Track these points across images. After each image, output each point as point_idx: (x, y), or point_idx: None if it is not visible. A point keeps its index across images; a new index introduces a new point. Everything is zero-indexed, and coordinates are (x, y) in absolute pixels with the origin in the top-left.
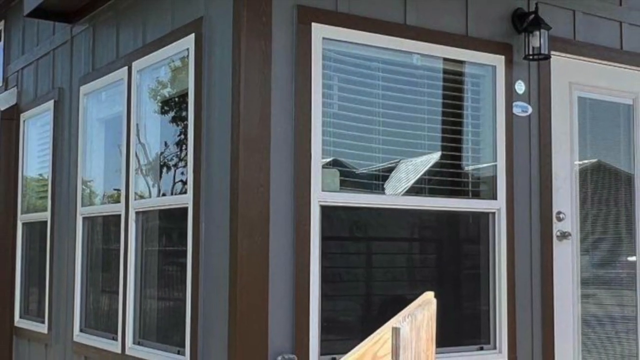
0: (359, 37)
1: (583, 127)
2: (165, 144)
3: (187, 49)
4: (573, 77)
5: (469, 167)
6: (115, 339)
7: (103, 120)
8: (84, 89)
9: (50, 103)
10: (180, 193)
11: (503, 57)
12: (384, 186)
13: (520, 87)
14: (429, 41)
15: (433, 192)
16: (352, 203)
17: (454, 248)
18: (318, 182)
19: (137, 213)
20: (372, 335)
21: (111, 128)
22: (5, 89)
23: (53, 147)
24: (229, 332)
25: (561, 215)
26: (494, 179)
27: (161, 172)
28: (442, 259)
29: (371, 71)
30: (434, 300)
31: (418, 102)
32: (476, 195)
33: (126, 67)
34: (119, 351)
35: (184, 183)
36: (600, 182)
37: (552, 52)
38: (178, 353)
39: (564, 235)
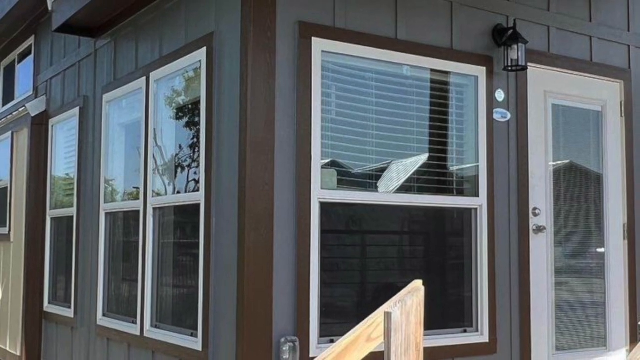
0: (355, 50)
1: (557, 131)
2: (180, 146)
3: (200, 61)
4: (548, 86)
5: (453, 167)
6: (134, 322)
7: (124, 125)
8: (106, 97)
9: (76, 110)
10: (193, 191)
11: (484, 68)
12: (377, 184)
13: (500, 95)
14: (418, 54)
15: (421, 190)
16: (349, 200)
17: (440, 240)
18: (318, 181)
19: (154, 209)
20: (366, 319)
21: (131, 132)
22: (36, 97)
23: (78, 149)
24: (237, 316)
25: (537, 211)
26: (476, 178)
27: (176, 172)
28: (429, 250)
29: (365, 81)
30: (422, 288)
31: (408, 109)
32: (460, 192)
33: (144, 77)
34: (138, 333)
35: (197, 182)
36: (572, 181)
37: (529, 64)
38: (191, 335)
39: (539, 229)
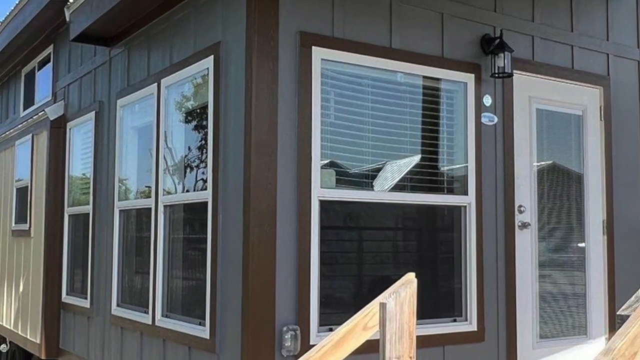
0: (352, 58)
1: (540, 134)
2: (189, 148)
3: (207, 69)
4: (532, 92)
5: (444, 167)
6: (146, 312)
7: (136, 128)
8: (120, 102)
9: (92, 114)
10: (201, 190)
11: (473, 75)
12: (373, 184)
13: (487, 100)
14: (411, 62)
15: (414, 189)
16: (346, 198)
17: (431, 236)
18: (317, 180)
19: (165, 206)
20: (363, 309)
21: (143, 135)
22: (54, 102)
23: (94, 151)
24: (242, 306)
25: (522, 208)
26: (465, 177)
27: (185, 172)
28: (421, 245)
29: (362, 87)
30: (415, 280)
31: (401, 113)
32: (450, 191)
33: (156, 84)
34: (150, 322)
35: (205, 181)
36: (555, 181)
37: (515, 71)
38: (199, 324)
39: (524, 225)
